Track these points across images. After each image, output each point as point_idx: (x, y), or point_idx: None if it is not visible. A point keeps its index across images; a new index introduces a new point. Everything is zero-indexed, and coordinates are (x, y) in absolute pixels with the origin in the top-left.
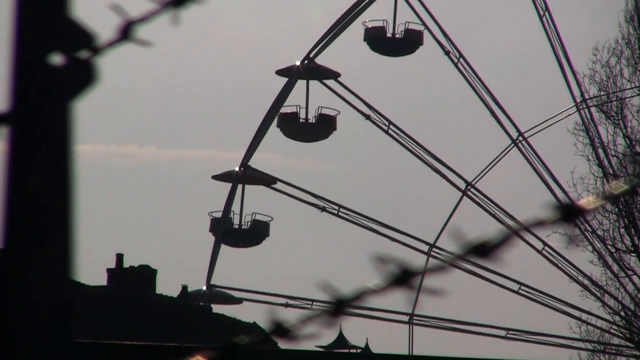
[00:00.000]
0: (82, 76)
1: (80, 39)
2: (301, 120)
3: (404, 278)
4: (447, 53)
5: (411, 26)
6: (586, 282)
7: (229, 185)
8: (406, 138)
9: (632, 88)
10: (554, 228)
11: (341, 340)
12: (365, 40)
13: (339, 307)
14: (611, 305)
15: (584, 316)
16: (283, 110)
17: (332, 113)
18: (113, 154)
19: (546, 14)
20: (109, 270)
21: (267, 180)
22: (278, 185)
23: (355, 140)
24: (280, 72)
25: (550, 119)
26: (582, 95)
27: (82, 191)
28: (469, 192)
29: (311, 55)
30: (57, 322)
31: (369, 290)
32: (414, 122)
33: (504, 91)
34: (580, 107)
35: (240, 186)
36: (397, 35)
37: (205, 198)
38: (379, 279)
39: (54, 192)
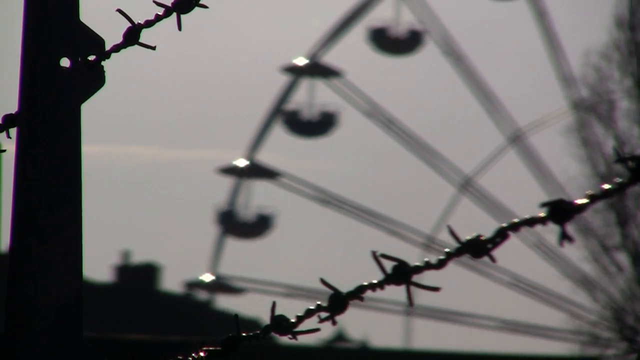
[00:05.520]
0: (90, 79)
1: (88, 43)
2: (240, 221)
3: (402, 274)
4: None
5: (328, 107)
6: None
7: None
8: (360, 212)
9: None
10: (544, 227)
11: (341, 335)
12: (282, 123)
13: (339, 302)
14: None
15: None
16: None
17: (270, 211)
18: (118, 153)
19: (459, 59)
20: (115, 267)
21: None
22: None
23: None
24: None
25: (490, 156)
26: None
27: (88, 190)
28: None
29: (251, 158)
30: (67, 318)
31: (369, 286)
32: (359, 190)
33: (440, 139)
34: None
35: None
36: (313, 119)
37: (208, 197)
38: (379, 275)
39: (61, 190)
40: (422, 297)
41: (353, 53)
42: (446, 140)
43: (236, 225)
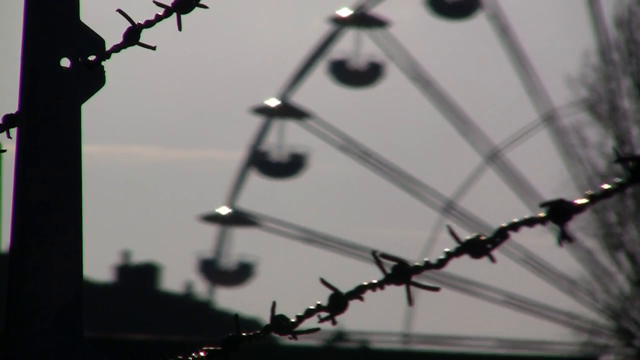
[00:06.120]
0: (90, 79)
1: (88, 43)
2: (222, 269)
3: (402, 274)
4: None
5: (297, 149)
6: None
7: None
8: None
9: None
10: (543, 228)
11: (341, 335)
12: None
13: (339, 302)
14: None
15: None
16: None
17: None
18: (118, 153)
19: (427, 84)
20: (115, 267)
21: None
22: None
23: None
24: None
25: (468, 177)
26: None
27: (88, 190)
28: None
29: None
30: (67, 318)
31: (369, 286)
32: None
33: (418, 165)
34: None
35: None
36: (282, 160)
37: (208, 197)
38: (379, 275)
39: (61, 190)
40: (418, 326)
41: (322, 89)
42: (424, 166)
43: (218, 273)
